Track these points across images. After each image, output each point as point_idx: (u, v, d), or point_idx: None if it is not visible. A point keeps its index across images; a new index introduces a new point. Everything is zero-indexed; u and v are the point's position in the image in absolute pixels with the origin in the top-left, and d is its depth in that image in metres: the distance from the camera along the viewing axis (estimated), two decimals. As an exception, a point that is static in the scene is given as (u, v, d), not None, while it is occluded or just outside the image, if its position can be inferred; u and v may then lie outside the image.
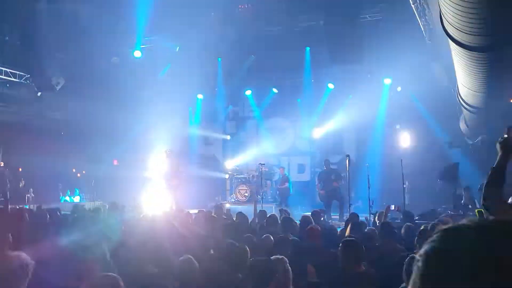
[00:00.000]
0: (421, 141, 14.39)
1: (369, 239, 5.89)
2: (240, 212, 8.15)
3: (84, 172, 17.51)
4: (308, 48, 16.04)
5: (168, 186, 13.21)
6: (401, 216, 8.44)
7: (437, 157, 14.17)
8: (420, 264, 0.82)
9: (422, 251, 0.84)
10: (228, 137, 18.66)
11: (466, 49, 5.99)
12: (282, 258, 3.88)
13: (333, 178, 12.33)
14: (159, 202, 12.69)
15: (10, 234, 4.76)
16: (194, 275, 4.10)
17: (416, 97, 14.78)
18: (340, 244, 4.46)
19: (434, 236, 0.84)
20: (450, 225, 0.86)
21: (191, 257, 4.20)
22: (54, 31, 13.65)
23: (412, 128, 14.94)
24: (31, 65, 13.70)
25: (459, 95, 10.33)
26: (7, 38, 13.77)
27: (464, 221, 0.84)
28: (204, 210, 9.76)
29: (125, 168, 16.72)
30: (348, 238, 4.88)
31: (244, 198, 15.19)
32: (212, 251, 5.35)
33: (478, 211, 4.10)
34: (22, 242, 4.84)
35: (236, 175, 16.36)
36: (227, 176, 17.52)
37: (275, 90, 17.53)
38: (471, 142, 13.74)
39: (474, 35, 5.37)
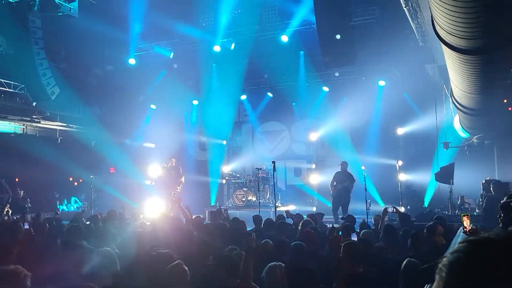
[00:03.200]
0: (415, 142, 14.47)
1: (365, 242, 5.89)
2: (235, 217, 8.11)
3: (81, 180, 17.47)
4: (302, 52, 16.14)
5: (167, 194, 13.22)
6: (398, 218, 8.45)
7: (432, 157, 14.26)
8: (444, 274, 0.83)
9: (446, 261, 0.85)
10: (224, 142, 18.67)
11: (458, 52, 6.05)
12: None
13: (345, 179, 12.46)
14: (157, 209, 12.66)
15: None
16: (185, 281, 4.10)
17: (410, 98, 14.87)
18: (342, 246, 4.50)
19: (459, 246, 0.85)
20: (475, 236, 0.87)
21: (181, 262, 4.21)
22: (47, 40, 13.67)
23: (407, 130, 15.02)
24: (26, 75, 13.69)
25: (453, 96, 10.40)
26: (1, 48, 13.77)
27: (490, 233, 0.85)
28: (201, 216, 9.74)
29: (122, 176, 16.72)
30: (348, 241, 4.91)
31: (241, 203, 15.20)
32: (210, 257, 5.34)
33: (463, 215, 4.13)
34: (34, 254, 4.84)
35: (233, 180, 16.38)
36: (224, 181, 17.54)
37: (270, 94, 17.60)
38: (466, 142, 13.83)
39: (465, 38, 5.43)
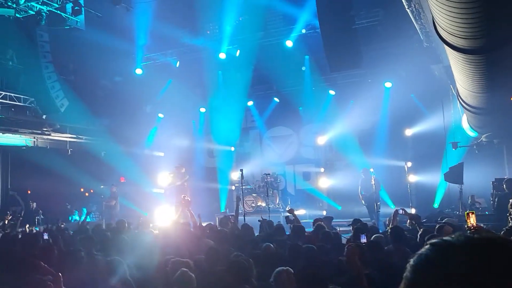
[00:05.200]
0: (424, 142, 14.40)
1: (375, 246, 5.86)
2: (245, 223, 8.15)
3: (92, 191, 17.63)
4: (307, 57, 16.18)
5: (176, 201, 13.28)
6: (408, 220, 8.42)
7: (441, 158, 14.17)
8: (408, 274, 0.86)
9: (411, 262, 0.87)
10: (232, 149, 18.73)
11: (460, 52, 6.05)
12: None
13: (372, 183, 12.58)
14: (168, 217, 12.75)
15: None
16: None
17: (417, 99, 14.82)
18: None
19: (423, 249, 0.88)
20: (438, 239, 0.89)
21: (186, 270, 4.26)
22: (55, 53, 13.88)
23: (415, 130, 14.96)
24: (35, 88, 13.90)
25: (459, 96, 10.36)
26: (10, 63, 14.00)
27: (452, 236, 0.88)
28: (212, 223, 9.81)
29: (132, 185, 16.85)
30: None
31: (251, 208, 15.24)
32: (218, 264, 5.38)
33: (466, 213, 4.13)
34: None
35: (242, 186, 16.40)
36: (233, 187, 17.59)
37: (276, 99, 17.65)
38: (475, 141, 13.73)
39: (467, 38, 5.43)
